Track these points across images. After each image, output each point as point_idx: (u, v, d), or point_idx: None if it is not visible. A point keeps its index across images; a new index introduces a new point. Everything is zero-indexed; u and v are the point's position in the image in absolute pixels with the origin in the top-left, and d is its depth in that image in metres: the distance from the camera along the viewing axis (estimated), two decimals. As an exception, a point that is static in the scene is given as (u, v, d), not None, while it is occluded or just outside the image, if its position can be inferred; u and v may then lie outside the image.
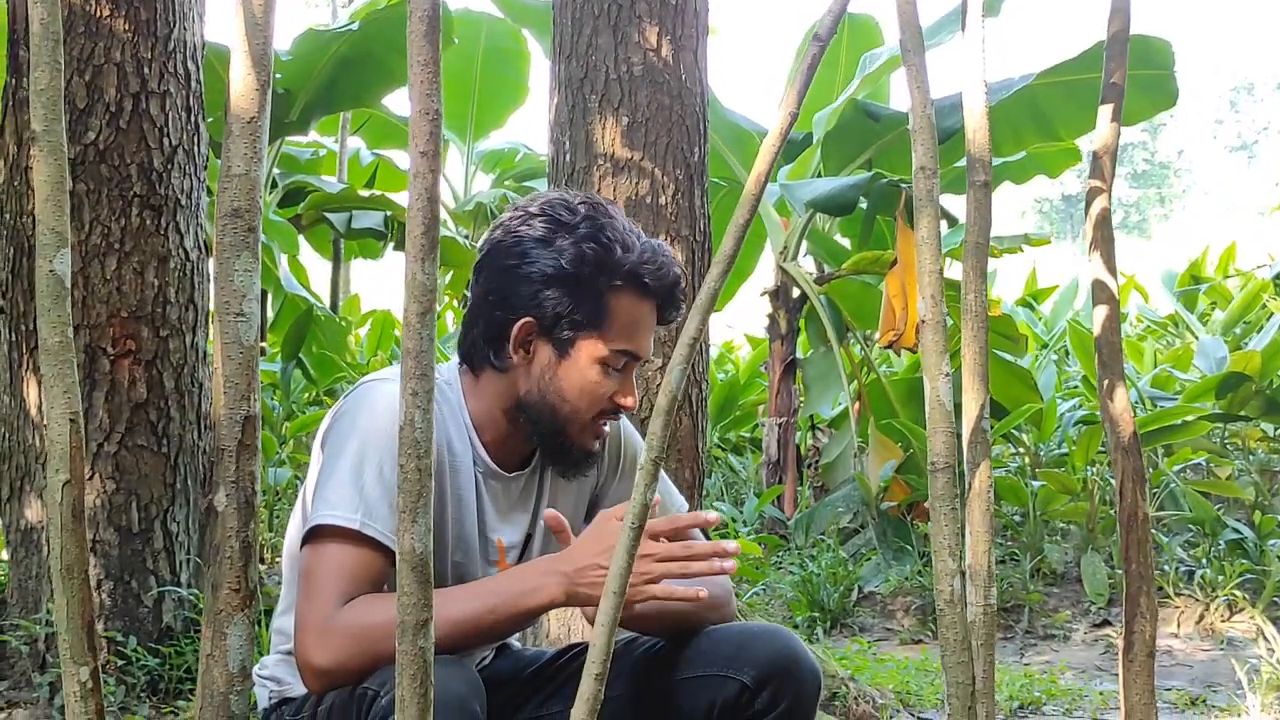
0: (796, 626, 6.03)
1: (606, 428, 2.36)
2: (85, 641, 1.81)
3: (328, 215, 9.38)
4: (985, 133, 2.09)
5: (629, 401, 2.31)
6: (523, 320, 2.26)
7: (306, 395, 9.02)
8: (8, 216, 4.30)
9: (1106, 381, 2.72)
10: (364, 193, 9.58)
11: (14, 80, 4.29)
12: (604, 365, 2.27)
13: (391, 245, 10.32)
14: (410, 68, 1.43)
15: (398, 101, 11.68)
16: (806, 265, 8.47)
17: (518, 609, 2.13)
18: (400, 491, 1.49)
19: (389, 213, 9.52)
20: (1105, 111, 2.80)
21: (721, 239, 1.74)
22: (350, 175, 11.12)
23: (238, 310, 1.91)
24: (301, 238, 10.03)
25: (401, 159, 11.51)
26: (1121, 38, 2.88)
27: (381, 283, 16.59)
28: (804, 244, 8.25)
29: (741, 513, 7.79)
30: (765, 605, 6.31)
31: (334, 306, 10.63)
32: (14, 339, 4.29)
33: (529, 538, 2.43)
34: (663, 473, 2.00)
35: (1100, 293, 2.76)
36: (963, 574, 1.95)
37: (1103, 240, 2.81)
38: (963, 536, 1.97)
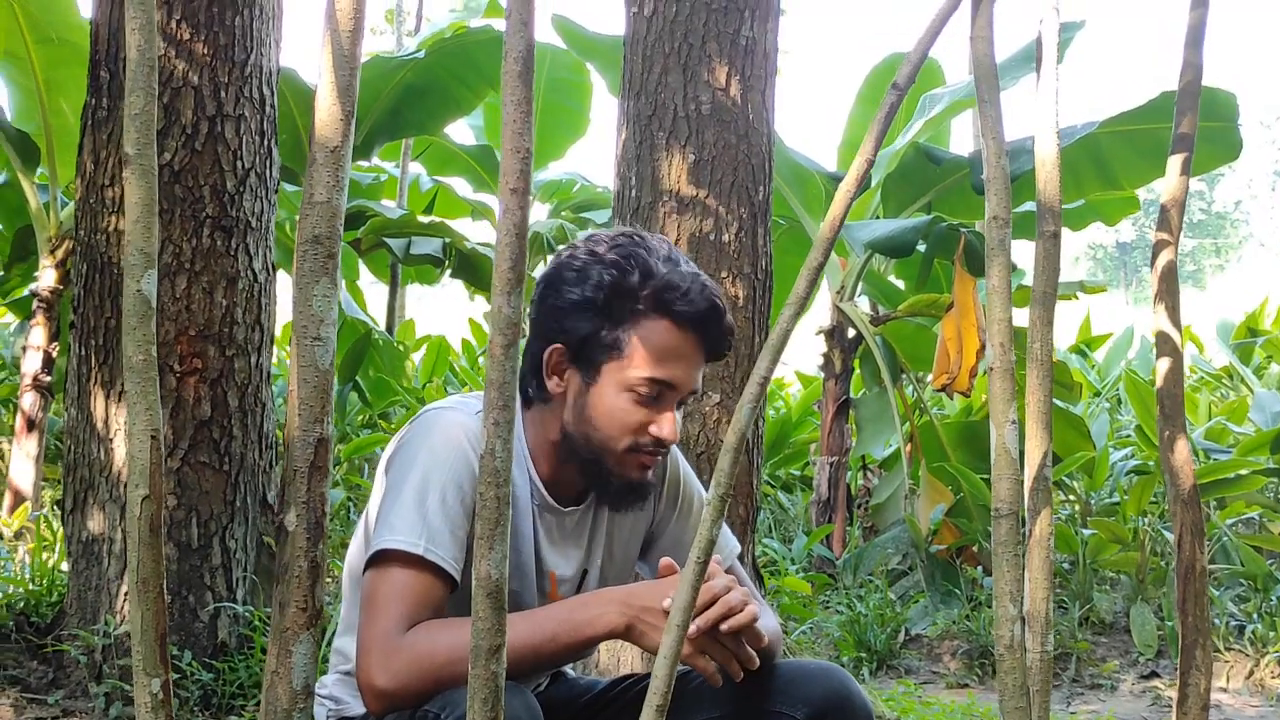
0: (843, 666, 6.01)
1: (651, 460, 2.32)
2: (157, 653, 1.85)
3: (387, 240, 9.45)
4: (1056, 183, 2.10)
5: (664, 433, 2.27)
6: (552, 347, 2.30)
7: (361, 418, 9.09)
8: (83, 234, 4.37)
9: (1167, 434, 2.73)
10: (423, 219, 9.63)
11: (94, 100, 4.37)
12: (632, 393, 2.26)
13: (449, 272, 10.39)
14: (504, 106, 1.46)
15: (458, 130, 11.78)
16: (862, 305, 8.47)
17: (579, 637, 2.15)
18: (479, 519, 1.52)
19: (447, 239, 9.58)
20: (1175, 162, 2.81)
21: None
22: (410, 201, 11.21)
23: (315, 335, 1.96)
24: (360, 261, 10.12)
25: (461, 186, 11.60)
26: (1192, 89, 2.90)
27: (436, 308, 16.72)
28: (860, 284, 8.25)
29: (790, 550, 7.78)
30: (812, 644, 6.29)
31: (390, 331, 10.71)
32: (83, 353, 4.35)
33: (584, 573, 2.45)
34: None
35: (1164, 345, 2.77)
36: (1022, 620, 1.97)
37: (1167, 293, 2.81)
38: (1022, 583, 1.98)
